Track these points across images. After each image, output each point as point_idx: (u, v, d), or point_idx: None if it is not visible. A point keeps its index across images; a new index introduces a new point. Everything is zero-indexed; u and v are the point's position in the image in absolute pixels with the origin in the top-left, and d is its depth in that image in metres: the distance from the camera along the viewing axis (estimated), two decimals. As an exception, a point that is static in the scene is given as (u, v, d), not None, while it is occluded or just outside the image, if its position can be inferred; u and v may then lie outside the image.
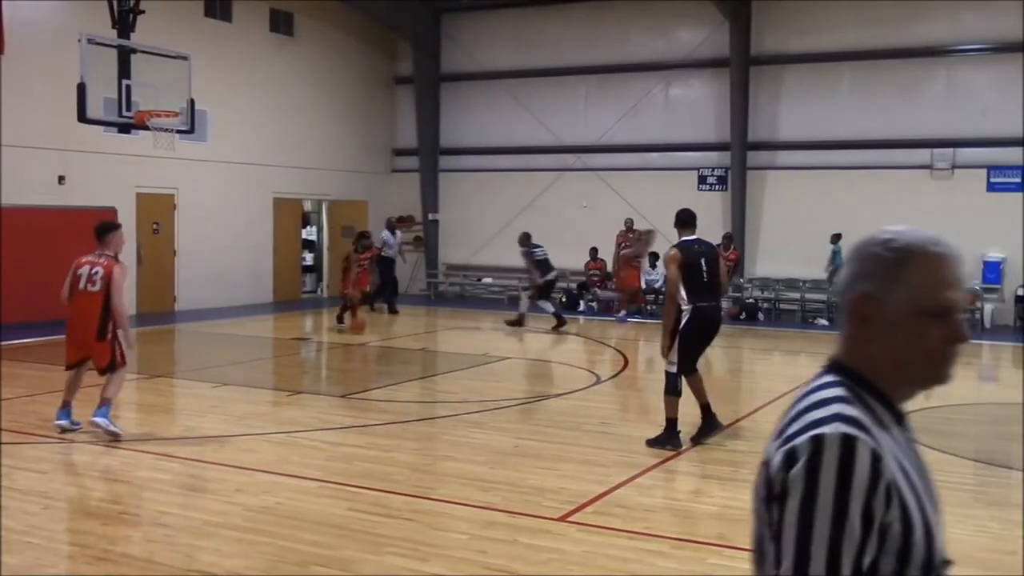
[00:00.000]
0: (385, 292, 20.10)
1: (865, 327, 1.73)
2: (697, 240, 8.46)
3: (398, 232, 20.90)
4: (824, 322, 18.91)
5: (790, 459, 1.60)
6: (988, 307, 18.14)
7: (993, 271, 18.25)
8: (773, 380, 12.87)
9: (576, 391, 11.17)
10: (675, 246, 8.34)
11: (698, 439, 8.33)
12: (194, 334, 16.55)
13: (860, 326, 1.75)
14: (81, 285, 8.24)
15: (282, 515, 6.19)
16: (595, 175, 21.96)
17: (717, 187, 21.15)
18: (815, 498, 1.55)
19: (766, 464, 1.65)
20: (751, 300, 20.11)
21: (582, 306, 20.88)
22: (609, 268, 20.57)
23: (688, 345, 8.21)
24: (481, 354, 14.10)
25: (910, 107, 19.21)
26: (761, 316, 19.79)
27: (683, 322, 8.12)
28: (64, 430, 8.38)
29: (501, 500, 6.58)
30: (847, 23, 19.63)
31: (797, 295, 19.76)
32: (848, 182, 19.52)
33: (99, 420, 8.12)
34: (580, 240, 21.10)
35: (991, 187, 18.62)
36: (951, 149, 18.87)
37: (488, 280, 23.36)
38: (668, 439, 8.17)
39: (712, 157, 21.12)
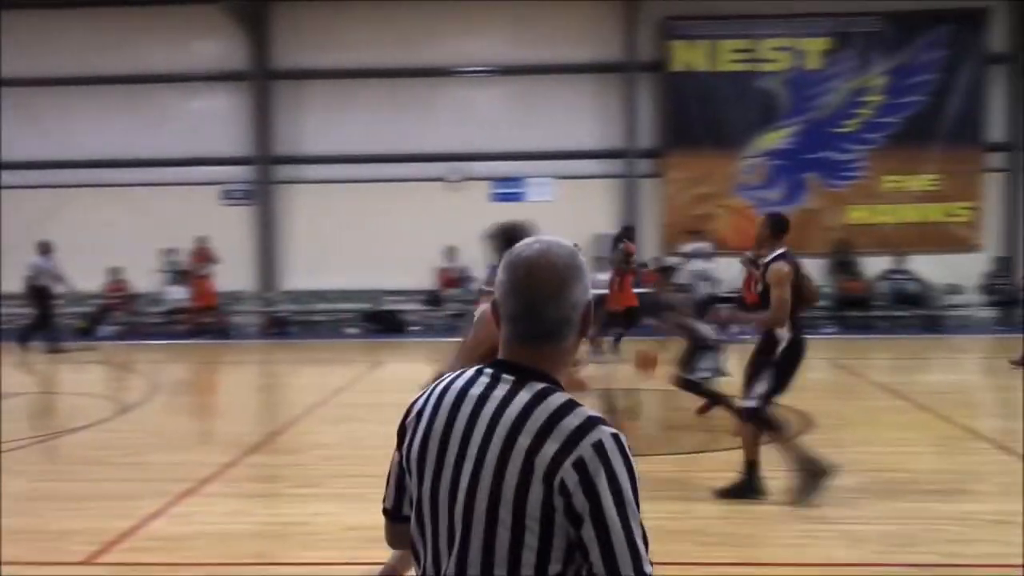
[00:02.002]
0: (40, 328, 16.93)
1: (583, 337, 1.88)
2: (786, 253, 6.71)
3: (52, 256, 17.44)
4: (354, 331, 19.53)
5: (583, 467, 1.70)
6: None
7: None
8: (305, 392, 12.98)
9: (100, 422, 10.41)
10: (783, 259, 6.64)
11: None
12: None
13: (581, 334, 1.88)
14: None
15: None
16: (121, 190, 20.59)
17: (243, 201, 20.89)
18: (623, 496, 1.71)
19: (546, 470, 1.71)
20: (282, 314, 20.17)
21: (104, 331, 19.56)
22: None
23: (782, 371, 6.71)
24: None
25: (425, 123, 20.42)
26: (293, 329, 19.91)
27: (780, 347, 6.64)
28: None
29: (24, 551, 5.94)
30: (365, 42, 20.38)
31: (329, 306, 20.16)
32: (375, 194, 20.26)
33: None
34: (101, 260, 19.67)
35: (495, 197, 20.38)
36: (463, 163, 20.37)
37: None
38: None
39: (237, 171, 20.82)
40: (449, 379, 1.93)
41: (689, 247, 19.53)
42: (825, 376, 12.49)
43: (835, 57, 20.11)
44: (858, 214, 19.97)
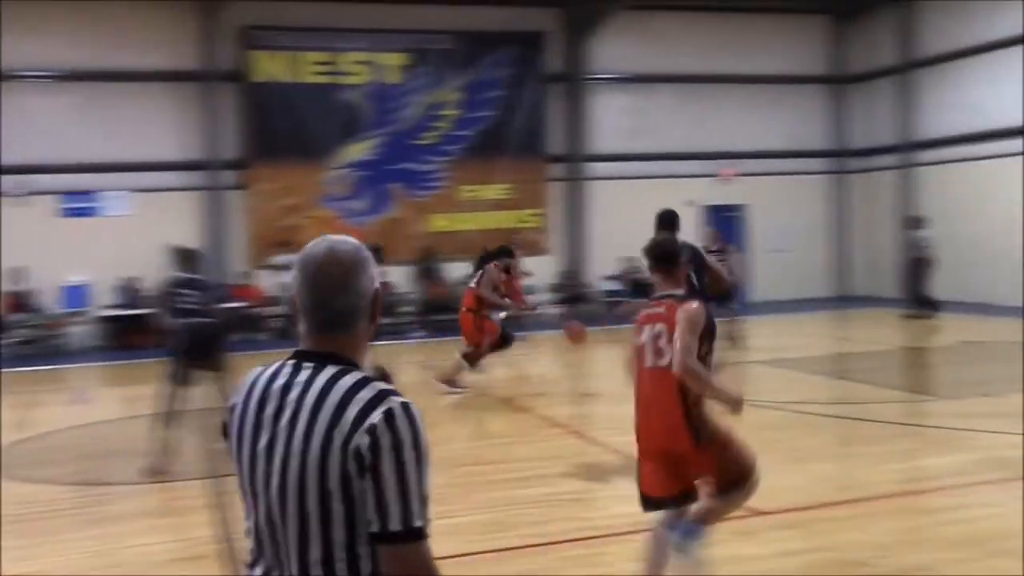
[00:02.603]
0: None
1: (375, 322, 2.11)
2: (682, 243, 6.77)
3: None
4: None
5: (373, 432, 1.89)
6: (76, 330, 18.34)
7: (76, 295, 18.49)
8: None
9: None
10: None
11: None
12: None
13: (373, 320, 2.10)
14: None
15: None
16: None
17: None
18: (402, 455, 1.91)
19: (343, 437, 1.89)
20: None
21: None
22: None
23: None
24: None
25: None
26: None
27: None
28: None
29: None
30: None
31: None
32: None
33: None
34: None
35: (66, 212, 18.86)
36: (26, 176, 18.54)
37: None
38: None
39: None
40: (257, 372, 2.11)
41: (278, 259, 19.41)
42: (415, 379, 12.95)
43: (413, 72, 20.95)
44: (440, 222, 20.95)
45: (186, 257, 8.60)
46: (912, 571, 5.31)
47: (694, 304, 4.57)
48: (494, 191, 21.51)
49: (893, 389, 11.13)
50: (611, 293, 21.29)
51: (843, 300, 22.93)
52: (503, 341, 12.15)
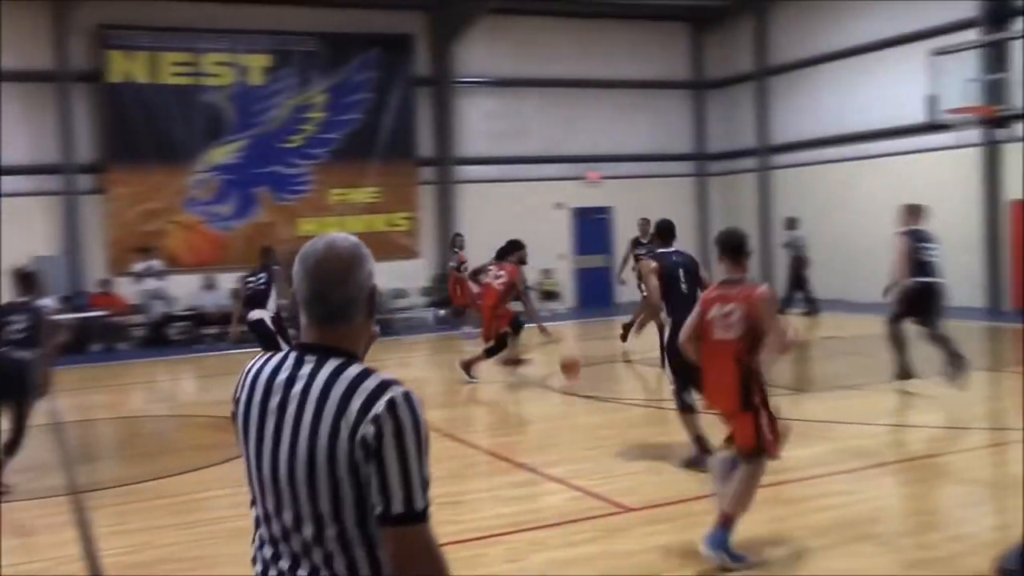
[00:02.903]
0: None
1: (372, 316, 2.21)
2: (676, 252, 8.22)
3: None
4: None
5: (378, 421, 1.99)
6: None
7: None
8: None
9: None
10: (653, 256, 8.48)
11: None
12: None
13: (371, 315, 2.20)
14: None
15: None
16: None
17: None
18: (404, 441, 1.99)
19: (350, 426, 2.00)
20: None
21: None
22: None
23: (675, 358, 7.31)
24: None
25: None
26: None
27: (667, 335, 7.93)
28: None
29: None
30: None
31: None
32: None
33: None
34: None
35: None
36: None
37: None
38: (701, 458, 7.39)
39: None
40: (259, 365, 2.22)
41: (139, 266, 18.79)
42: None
43: (277, 74, 20.57)
44: (308, 226, 20.58)
45: (22, 280, 8.13)
46: (777, 559, 5.50)
47: (765, 287, 5.57)
48: (363, 194, 21.31)
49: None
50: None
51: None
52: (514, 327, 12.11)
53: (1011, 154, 17.53)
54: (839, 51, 20.74)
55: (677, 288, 7.84)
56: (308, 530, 2.07)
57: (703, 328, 5.62)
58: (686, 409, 7.64)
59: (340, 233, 2.25)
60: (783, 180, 22.66)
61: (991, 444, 8.34)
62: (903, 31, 19.07)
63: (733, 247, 5.66)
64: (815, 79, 21.65)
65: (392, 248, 20.77)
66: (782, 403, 10.33)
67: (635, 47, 23.77)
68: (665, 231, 8.58)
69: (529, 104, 22.84)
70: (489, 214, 21.44)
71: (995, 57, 15.73)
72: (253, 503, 2.21)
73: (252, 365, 2.24)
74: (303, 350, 2.17)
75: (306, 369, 2.12)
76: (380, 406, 2.01)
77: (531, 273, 20.96)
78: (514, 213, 21.82)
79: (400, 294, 20.59)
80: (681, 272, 7.92)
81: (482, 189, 22.00)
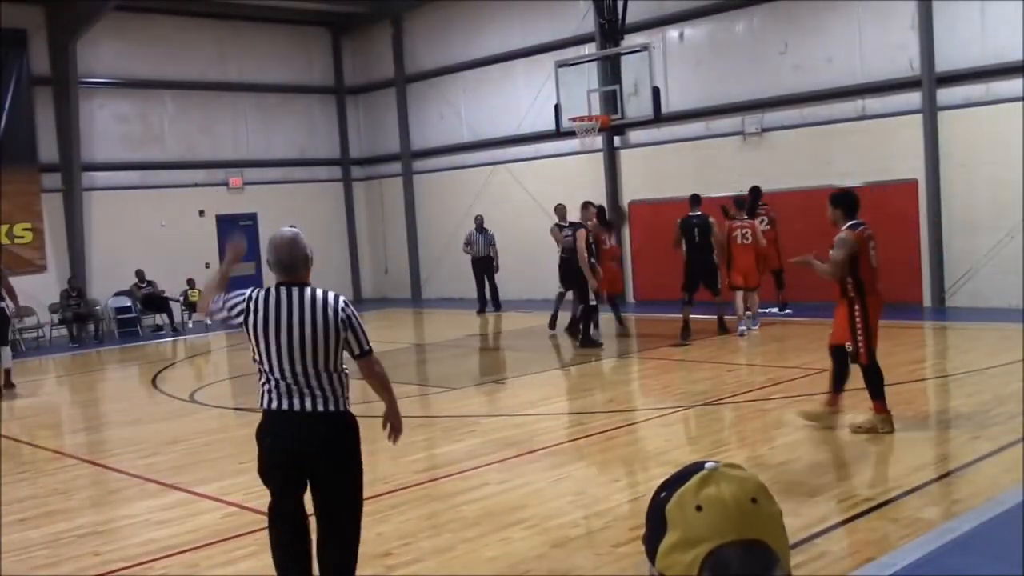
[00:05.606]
0: None
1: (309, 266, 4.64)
2: (696, 215, 13.70)
3: None
4: None
5: (347, 309, 4.48)
6: None
7: None
8: None
9: None
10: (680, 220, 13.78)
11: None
12: None
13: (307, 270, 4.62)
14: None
15: None
16: None
17: None
18: (358, 318, 4.58)
19: (334, 313, 4.45)
20: None
21: None
22: None
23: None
24: None
25: None
26: None
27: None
28: None
29: None
30: None
31: None
32: None
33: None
34: None
35: None
36: None
37: None
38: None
39: None
40: (263, 291, 4.46)
41: None
42: None
43: None
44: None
45: None
46: (431, 553, 5.67)
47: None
48: (-24, 204, 19.23)
49: (407, 384, 11.75)
50: (121, 310, 20.11)
51: (357, 303, 23.78)
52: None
53: (627, 159, 19.22)
54: (473, 60, 21.67)
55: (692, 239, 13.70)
56: (311, 371, 4.38)
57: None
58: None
59: (290, 227, 4.64)
60: (427, 185, 23.32)
61: (622, 425, 9.09)
62: (531, 43, 20.29)
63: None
64: (451, 86, 22.47)
65: (15, 262, 18.75)
66: (431, 401, 10.62)
67: (276, 51, 23.42)
68: (694, 200, 13.87)
69: (165, 107, 21.80)
70: (126, 223, 20.23)
71: (610, 71, 17.10)
72: (259, 364, 4.43)
73: (256, 290, 4.47)
74: (284, 285, 4.44)
75: (295, 292, 4.41)
76: (342, 303, 4.48)
77: (176, 283, 20.07)
78: (155, 221, 20.76)
79: (26, 312, 18.76)
80: (696, 230, 13.64)
81: (117, 196, 20.69)
